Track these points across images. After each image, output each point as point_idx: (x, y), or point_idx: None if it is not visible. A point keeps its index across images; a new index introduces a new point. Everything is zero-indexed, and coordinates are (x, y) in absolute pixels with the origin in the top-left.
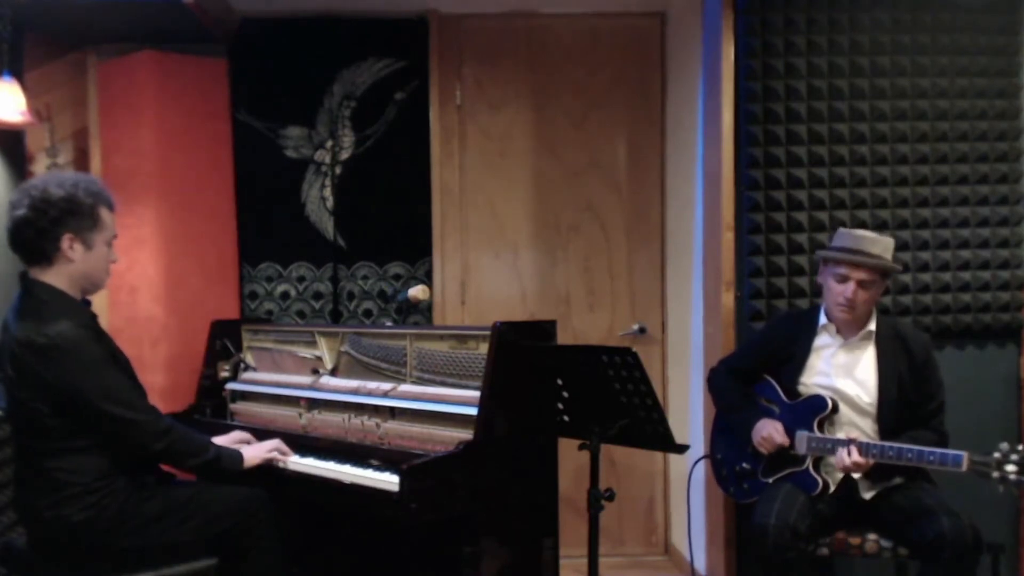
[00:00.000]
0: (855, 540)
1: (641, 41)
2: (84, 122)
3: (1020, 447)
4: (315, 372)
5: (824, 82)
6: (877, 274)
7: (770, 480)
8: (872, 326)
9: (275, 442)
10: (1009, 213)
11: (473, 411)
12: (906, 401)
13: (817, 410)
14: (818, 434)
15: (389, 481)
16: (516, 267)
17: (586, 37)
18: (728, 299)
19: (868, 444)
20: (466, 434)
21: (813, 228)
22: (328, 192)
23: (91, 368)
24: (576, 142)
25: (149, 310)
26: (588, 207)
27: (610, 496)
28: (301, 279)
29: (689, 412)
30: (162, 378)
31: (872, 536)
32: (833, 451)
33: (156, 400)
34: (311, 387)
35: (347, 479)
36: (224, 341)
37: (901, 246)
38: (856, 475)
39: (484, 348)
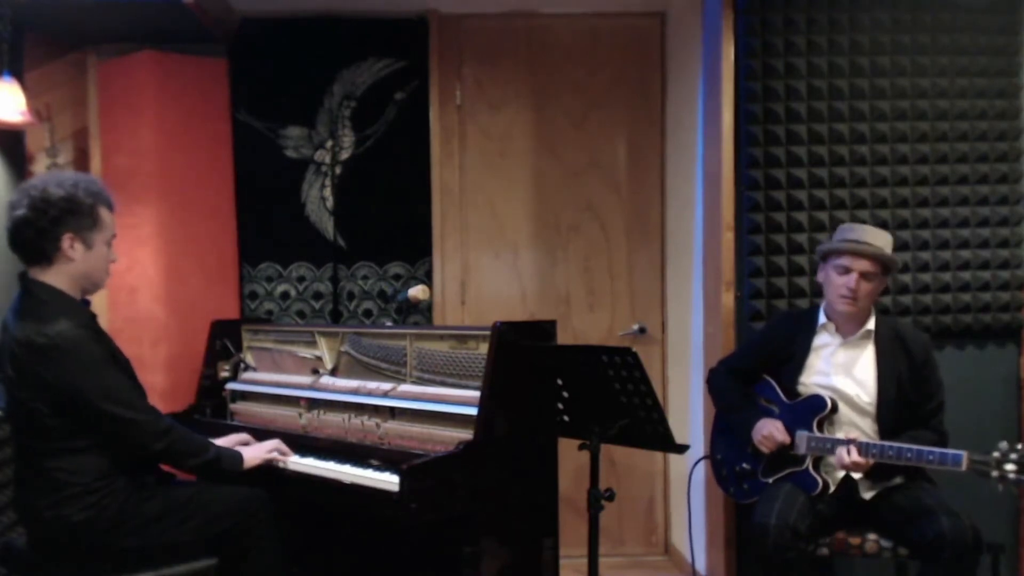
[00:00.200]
0: (855, 540)
1: (641, 41)
2: (84, 122)
3: (1019, 446)
4: (315, 372)
5: (824, 82)
6: (878, 266)
7: (770, 480)
8: (871, 325)
9: (275, 442)
10: (1009, 213)
11: (473, 411)
12: (905, 401)
13: (816, 410)
14: (818, 434)
15: (389, 481)
16: (516, 267)
17: (586, 37)
18: (728, 299)
19: (868, 444)
20: (466, 434)
21: (813, 228)
22: (328, 192)
23: (91, 368)
24: (576, 142)
25: (149, 310)
26: (588, 207)
27: (610, 496)
28: (301, 279)
29: (689, 412)
30: (162, 378)
31: (872, 536)
32: (833, 451)
33: (156, 400)
34: (311, 387)
35: (347, 479)
36: (224, 341)
37: (901, 246)
38: (856, 475)
39: (484, 348)
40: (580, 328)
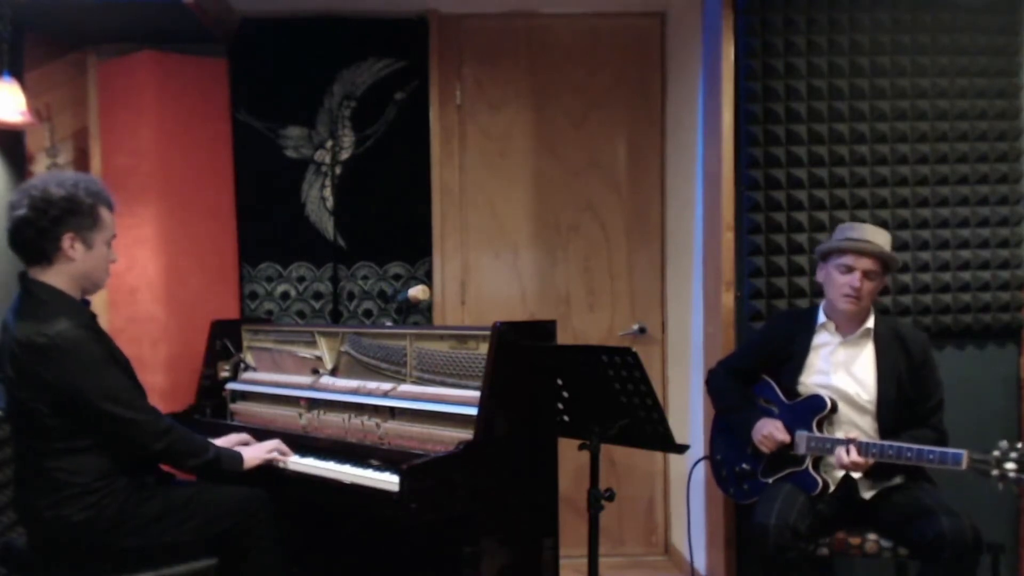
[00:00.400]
0: (855, 540)
1: (641, 41)
2: (84, 122)
3: (1019, 445)
4: (315, 372)
5: (824, 82)
6: (880, 265)
7: (770, 480)
8: (870, 323)
9: (274, 442)
10: (1009, 213)
11: (473, 411)
12: (905, 400)
13: (816, 410)
14: (817, 434)
15: (389, 481)
16: (516, 267)
17: (586, 37)
18: (728, 299)
19: (867, 443)
20: (466, 434)
21: (813, 228)
22: (328, 192)
23: (91, 368)
24: (576, 142)
25: (149, 310)
26: (588, 207)
27: (610, 496)
28: (301, 279)
29: (689, 412)
30: (162, 378)
31: (872, 536)
32: (832, 451)
33: (156, 400)
34: (311, 387)
35: (347, 479)
36: (224, 341)
37: (901, 246)
38: (856, 474)
39: (484, 348)
40: (580, 328)
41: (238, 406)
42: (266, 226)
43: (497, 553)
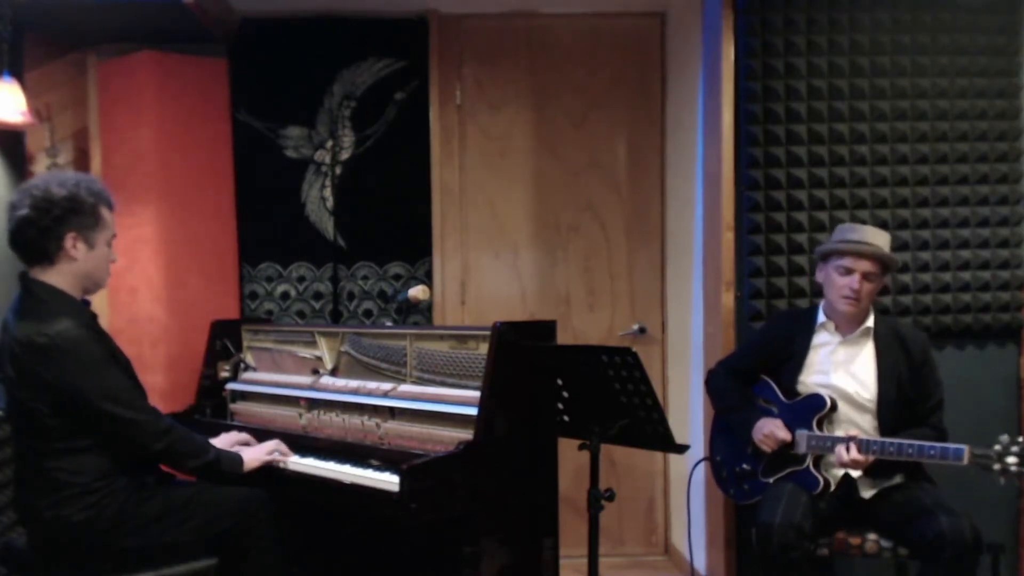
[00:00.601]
0: (855, 540)
1: (641, 41)
2: (84, 122)
3: (1020, 439)
4: (315, 372)
5: (824, 82)
6: (879, 266)
7: (771, 480)
8: (870, 323)
9: (274, 443)
10: (1009, 213)
11: (473, 411)
12: (905, 399)
13: (816, 409)
14: (817, 432)
15: (389, 481)
16: (516, 267)
17: (586, 37)
18: (728, 299)
19: (868, 441)
20: (466, 434)
21: (813, 228)
22: (328, 192)
23: (91, 368)
24: (576, 142)
25: (149, 310)
26: (588, 207)
27: (610, 496)
28: (301, 279)
29: (689, 412)
30: (162, 378)
31: (872, 536)
32: (833, 449)
33: (156, 400)
34: (311, 387)
35: (347, 479)
36: (224, 341)
37: (901, 246)
38: (855, 473)
39: (484, 348)
40: (580, 328)
41: (238, 406)
42: (266, 226)
43: (497, 553)
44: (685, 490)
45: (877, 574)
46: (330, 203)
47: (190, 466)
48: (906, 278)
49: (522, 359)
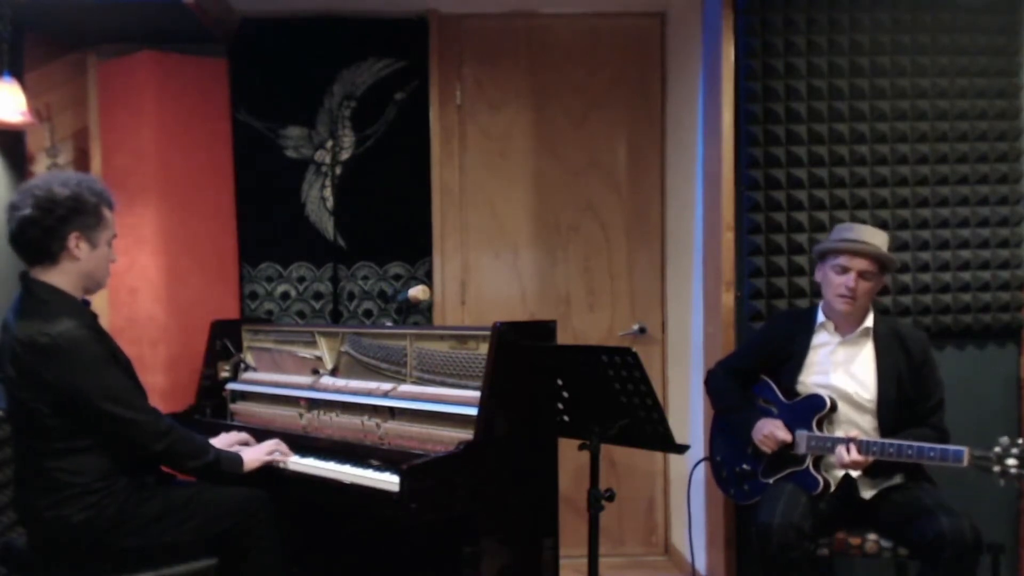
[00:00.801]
0: (855, 540)
1: (641, 41)
2: (84, 122)
3: (1020, 441)
4: (315, 372)
5: (824, 82)
6: (876, 265)
7: (771, 480)
8: (869, 323)
9: (274, 443)
10: (1009, 213)
11: (473, 411)
12: (905, 399)
13: (816, 409)
14: (817, 433)
15: (389, 481)
16: (516, 267)
17: (586, 37)
18: (728, 299)
19: (868, 442)
20: (466, 434)
21: (813, 228)
22: (328, 192)
23: (92, 368)
24: (576, 142)
25: (149, 310)
26: (588, 207)
27: (610, 496)
28: (301, 279)
29: (689, 412)
30: (162, 378)
31: (872, 536)
32: (832, 449)
33: (156, 400)
34: (311, 387)
35: (347, 479)
36: (224, 341)
37: (901, 246)
38: (855, 473)
39: (484, 348)
40: (580, 328)
41: (238, 406)
42: (266, 226)
43: (497, 553)
44: (685, 490)
45: (877, 574)
46: (330, 203)
47: (190, 466)
48: (906, 278)
49: (522, 359)
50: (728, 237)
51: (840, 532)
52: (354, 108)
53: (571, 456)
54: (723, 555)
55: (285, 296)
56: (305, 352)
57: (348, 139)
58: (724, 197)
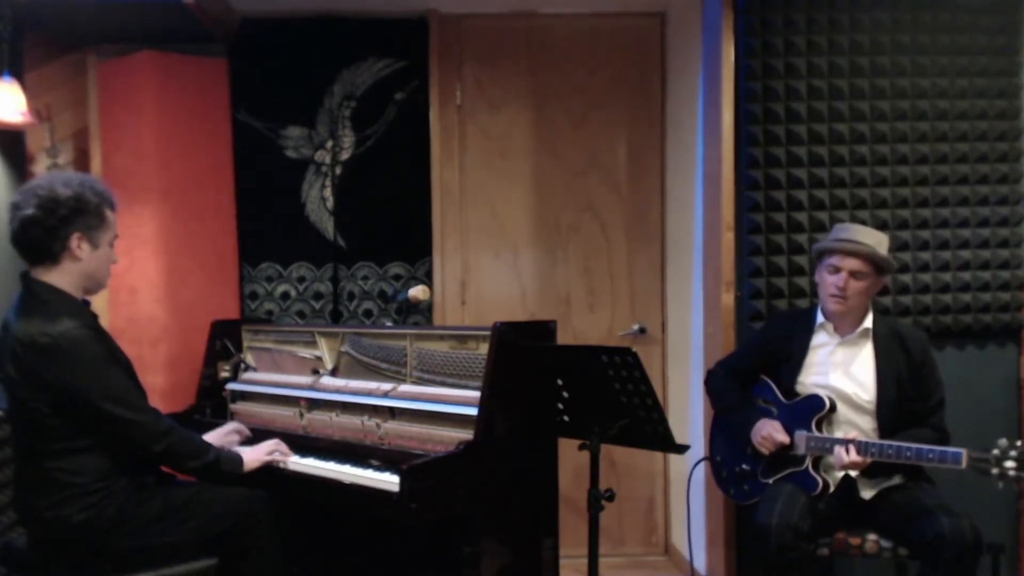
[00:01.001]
0: (855, 540)
1: (641, 41)
2: (84, 122)
3: (1019, 443)
4: (315, 372)
5: (824, 82)
6: (869, 265)
7: (770, 481)
8: (868, 323)
9: (274, 443)
10: (1009, 213)
11: (473, 411)
12: (905, 399)
13: (815, 410)
14: (816, 433)
15: (389, 481)
16: (516, 267)
17: (586, 37)
18: (728, 299)
19: (867, 443)
20: (466, 434)
21: (813, 228)
22: (328, 192)
23: (92, 368)
24: (576, 142)
25: (149, 310)
26: (588, 207)
27: (610, 496)
28: (301, 279)
29: (689, 412)
30: (162, 378)
31: (872, 536)
32: (832, 450)
33: (156, 400)
34: (311, 387)
35: (347, 479)
36: (224, 341)
37: (901, 246)
38: (854, 473)
39: (484, 348)
40: (580, 328)
41: (238, 406)
42: (266, 226)
43: (497, 553)
44: (685, 490)
45: (877, 574)
46: (330, 203)
47: (190, 467)
48: (906, 278)
49: (522, 359)
50: (728, 237)
51: (840, 532)
52: (354, 108)
53: (571, 456)
54: (723, 555)
55: (285, 296)
56: (305, 352)
57: (348, 139)
58: (724, 197)
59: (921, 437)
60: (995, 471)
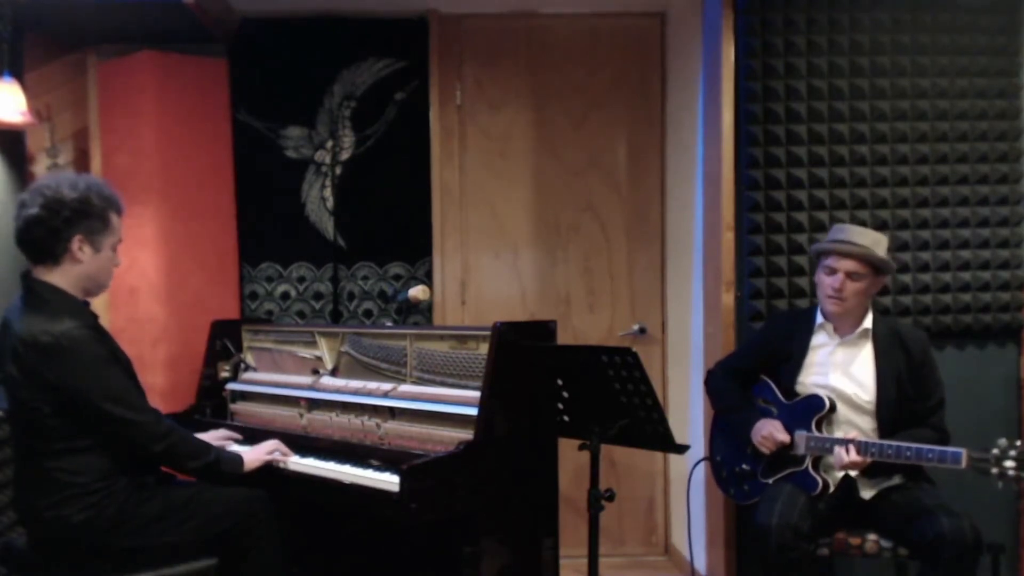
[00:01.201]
0: (855, 540)
1: (641, 41)
2: (84, 122)
3: (1018, 443)
4: (315, 372)
5: (824, 82)
6: (866, 266)
7: (770, 481)
8: (868, 324)
9: (274, 443)
10: (1009, 213)
11: (473, 411)
12: (905, 399)
13: (815, 410)
14: (816, 434)
15: (389, 481)
16: (516, 267)
17: (586, 37)
18: (728, 299)
19: (867, 443)
20: (466, 434)
21: (813, 228)
22: (328, 192)
23: (93, 368)
24: (576, 142)
25: (149, 310)
26: (588, 207)
27: (610, 496)
28: (301, 279)
29: (689, 412)
30: (162, 378)
31: (872, 536)
32: (832, 450)
33: (156, 400)
34: (311, 387)
35: (347, 479)
36: (224, 341)
37: (901, 246)
38: (853, 473)
39: (484, 348)
40: (580, 328)
41: (238, 406)
42: (266, 226)
43: (497, 553)
44: (685, 490)
45: (877, 574)
46: (330, 203)
47: (190, 467)
48: (906, 278)
49: (522, 359)
50: (728, 237)
51: (840, 532)
52: (354, 108)
53: (571, 456)
54: (723, 555)
55: (285, 296)
56: (305, 352)
57: (348, 139)
58: (724, 197)
59: (921, 437)
60: (995, 471)
